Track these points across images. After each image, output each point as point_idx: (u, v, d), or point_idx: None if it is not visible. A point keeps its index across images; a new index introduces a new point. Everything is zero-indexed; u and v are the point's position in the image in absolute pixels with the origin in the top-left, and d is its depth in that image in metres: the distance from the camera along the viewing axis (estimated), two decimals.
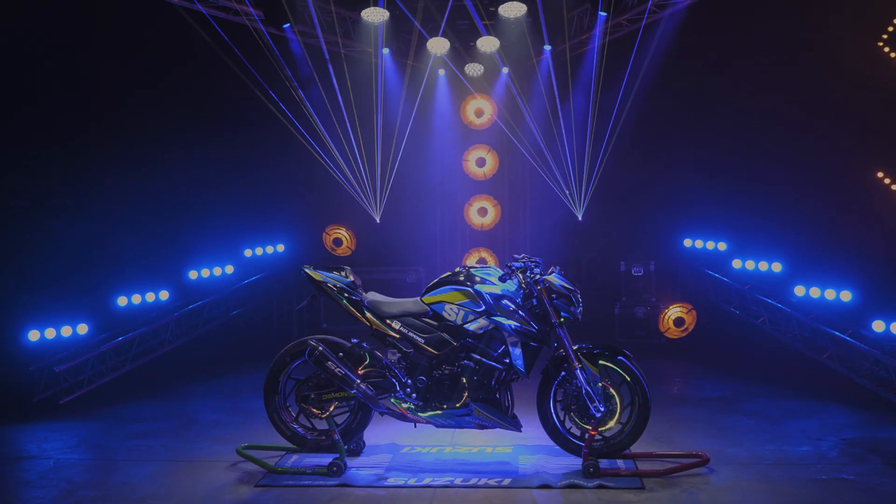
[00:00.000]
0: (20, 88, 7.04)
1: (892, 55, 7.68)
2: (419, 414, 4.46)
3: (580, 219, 9.22)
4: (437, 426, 4.50)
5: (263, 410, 4.64)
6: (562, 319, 4.41)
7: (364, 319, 4.60)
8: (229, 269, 8.58)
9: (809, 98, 7.86)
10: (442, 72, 9.56)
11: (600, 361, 4.47)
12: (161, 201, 8.07)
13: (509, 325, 4.38)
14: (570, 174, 9.08)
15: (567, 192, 9.17)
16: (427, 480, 4.22)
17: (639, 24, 8.46)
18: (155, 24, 7.47)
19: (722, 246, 8.60)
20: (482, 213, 9.81)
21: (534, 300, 4.46)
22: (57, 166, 7.30)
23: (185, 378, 7.16)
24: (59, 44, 7.09)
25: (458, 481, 4.20)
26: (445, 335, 4.49)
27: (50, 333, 6.30)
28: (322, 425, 4.61)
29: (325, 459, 4.38)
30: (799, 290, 7.23)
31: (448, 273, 4.61)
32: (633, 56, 8.19)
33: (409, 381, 4.51)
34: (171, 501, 4.00)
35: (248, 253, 9.05)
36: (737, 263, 8.22)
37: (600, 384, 4.40)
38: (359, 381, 4.45)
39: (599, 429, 4.40)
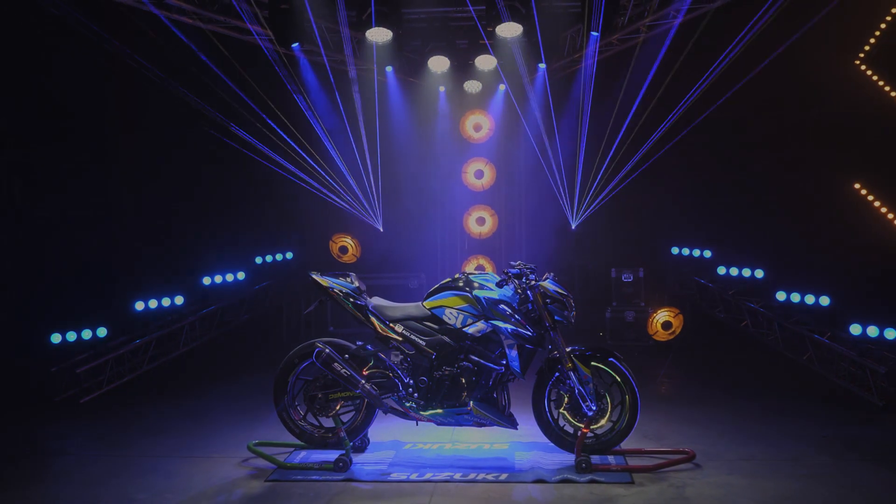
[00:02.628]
0: (36, 101, 7.14)
1: (869, 73, 7.89)
2: (421, 412, 4.56)
3: (573, 228, 9.41)
4: (438, 424, 4.60)
5: (273, 409, 4.76)
6: (556, 323, 4.55)
7: (368, 323, 4.72)
8: (241, 276, 8.78)
9: (791, 114, 8.05)
10: (442, 88, 9.77)
11: (592, 363, 4.57)
12: (176, 211, 8.22)
13: (506, 329, 4.51)
14: (564, 185, 9.25)
15: (561, 202, 9.34)
16: (428, 475, 4.33)
17: (629, 43, 8.71)
18: (168, 40, 7.57)
19: (707, 253, 8.83)
20: (480, 222, 10.01)
21: (529, 305, 4.58)
22: (77, 178, 7.41)
23: (199, 378, 7.28)
24: (69, 54, 7.15)
25: (457, 476, 4.32)
26: (446, 338, 4.60)
27: (71, 336, 6.49)
28: (329, 423, 4.72)
29: (332, 455, 4.51)
30: (780, 296, 7.46)
31: (448, 279, 4.72)
32: (624, 74, 8.38)
33: (412, 381, 4.61)
34: (186, 495, 4.09)
35: (258, 260, 9.28)
36: (721, 270, 8.45)
37: (592, 384, 4.52)
38: (363, 381, 4.56)
39: (591, 427, 4.51)
